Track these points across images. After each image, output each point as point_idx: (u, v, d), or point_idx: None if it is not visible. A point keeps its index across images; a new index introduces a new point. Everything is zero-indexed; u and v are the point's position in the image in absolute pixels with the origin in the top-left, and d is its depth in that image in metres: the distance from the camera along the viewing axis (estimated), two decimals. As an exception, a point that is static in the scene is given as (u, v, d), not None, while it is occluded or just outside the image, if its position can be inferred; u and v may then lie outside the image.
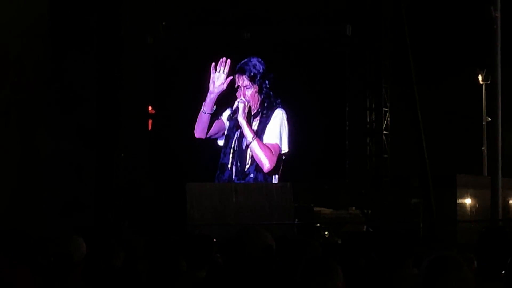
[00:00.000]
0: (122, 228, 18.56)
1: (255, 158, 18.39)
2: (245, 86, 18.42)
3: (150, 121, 20.59)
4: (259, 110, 18.62)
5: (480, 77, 32.99)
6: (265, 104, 18.56)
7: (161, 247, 6.59)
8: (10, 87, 18.70)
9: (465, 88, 33.38)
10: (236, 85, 18.54)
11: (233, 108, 18.46)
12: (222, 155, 18.93)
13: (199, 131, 18.91)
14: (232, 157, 18.68)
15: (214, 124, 18.85)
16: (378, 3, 20.44)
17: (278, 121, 18.44)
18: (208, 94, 18.56)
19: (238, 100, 18.33)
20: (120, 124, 20.09)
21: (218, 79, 18.42)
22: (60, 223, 17.67)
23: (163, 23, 20.42)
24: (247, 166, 18.65)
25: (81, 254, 4.84)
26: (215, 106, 18.64)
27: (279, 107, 18.57)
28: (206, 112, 18.59)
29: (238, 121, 18.29)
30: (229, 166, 18.73)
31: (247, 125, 18.17)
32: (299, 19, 19.82)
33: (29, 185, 18.57)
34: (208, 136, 18.97)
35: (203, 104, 18.64)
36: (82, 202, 19.28)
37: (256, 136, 18.21)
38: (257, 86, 18.47)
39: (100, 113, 19.99)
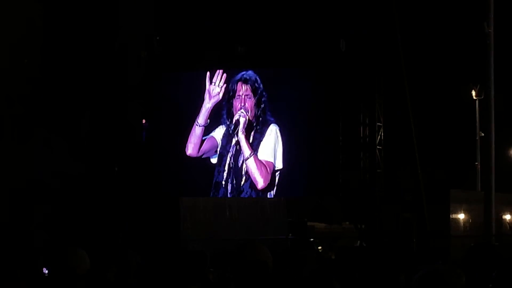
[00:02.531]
0: (116, 242, 18.51)
1: (249, 175, 18.35)
2: (247, 95, 18.42)
3: (144, 135, 20.57)
4: (254, 124, 18.62)
5: (473, 92, 33.05)
6: (260, 119, 18.56)
7: (155, 262, 6.57)
8: (4, 100, 18.69)
9: (459, 103, 33.43)
10: (236, 94, 18.52)
11: (234, 121, 18.43)
12: (216, 174, 18.85)
13: (192, 147, 18.82)
14: (228, 174, 18.63)
15: (205, 142, 18.81)
16: (372, 18, 20.49)
17: (273, 137, 18.41)
18: (203, 105, 18.53)
19: (239, 113, 18.30)
20: (114, 138, 20.06)
21: (214, 90, 18.43)
22: (51, 236, 17.62)
23: (157, 38, 20.45)
24: (242, 183, 18.61)
25: (85, 267, 4.82)
26: (208, 120, 18.61)
27: (273, 123, 18.56)
28: (200, 125, 18.54)
29: (232, 138, 18.28)
30: (223, 183, 18.69)
31: (246, 140, 18.15)
32: (293, 34, 19.86)
33: (21, 197, 18.52)
34: (200, 154, 18.90)
35: (197, 117, 18.58)
36: (74, 215, 19.23)
37: (254, 153, 18.20)
38: (255, 100, 18.49)
39: (94, 127, 19.97)
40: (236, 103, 18.56)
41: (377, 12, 20.34)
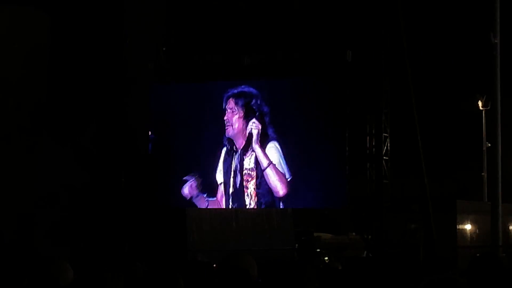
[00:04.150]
0: (122, 253, 18.52)
1: (269, 184, 18.36)
2: (231, 109, 18.48)
3: (150, 147, 20.61)
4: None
5: (480, 103, 33.05)
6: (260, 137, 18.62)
7: (161, 273, 6.57)
8: (11, 111, 18.75)
9: (465, 114, 33.45)
10: (229, 108, 18.56)
11: (247, 134, 18.46)
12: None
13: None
14: (233, 199, 18.57)
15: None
16: (379, 28, 20.52)
17: (275, 151, 18.45)
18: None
19: (251, 124, 18.33)
20: (120, 149, 20.10)
21: None
22: (56, 247, 17.63)
23: (164, 49, 20.51)
24: (246, 205, 18.55)
25: (68, 279, 4.82)
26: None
27: (272, 140, 18.60)
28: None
29: (232, 161, 18.31)
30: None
31: (262, 150, 18.20)
32: (300, 45, 19.90)
33: (26, 208, 18.56)
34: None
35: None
36: (81, 226, 19.25)
37: (271, 162, 18.19)
38: (244, 114, 18.53)
39: (101, 138, 20.01)
40: (227, 116, 18.59)
41: (384, 22, 20.37)
